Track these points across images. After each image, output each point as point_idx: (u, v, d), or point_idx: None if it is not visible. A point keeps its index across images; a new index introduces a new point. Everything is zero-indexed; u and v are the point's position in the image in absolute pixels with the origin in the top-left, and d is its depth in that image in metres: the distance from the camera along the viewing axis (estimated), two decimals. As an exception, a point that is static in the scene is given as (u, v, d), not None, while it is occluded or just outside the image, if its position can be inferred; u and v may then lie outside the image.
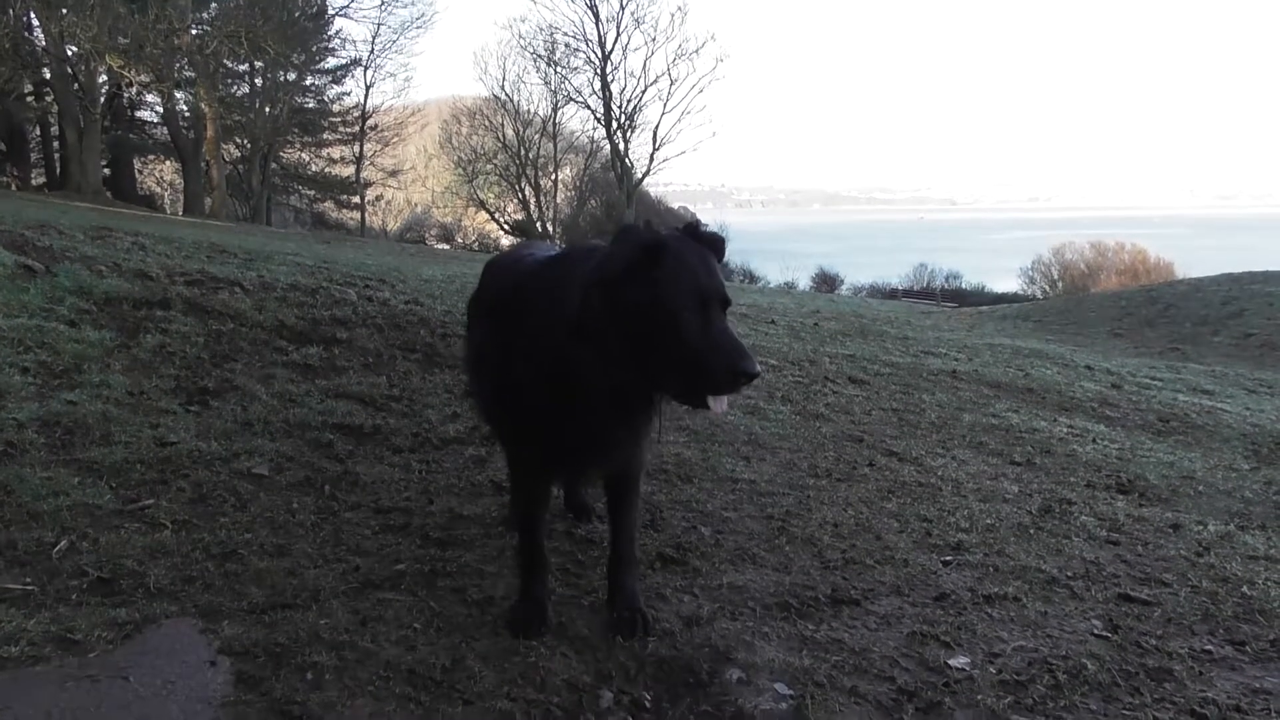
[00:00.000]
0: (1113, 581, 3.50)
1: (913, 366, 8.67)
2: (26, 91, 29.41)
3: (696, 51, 42.24)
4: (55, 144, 32.08)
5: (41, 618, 2.56)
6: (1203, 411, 7.79)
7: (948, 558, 3.62)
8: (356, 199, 45.40)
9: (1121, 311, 18.07)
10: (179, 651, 2.49)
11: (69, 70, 26.71)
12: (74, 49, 25.35)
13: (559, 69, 42.42)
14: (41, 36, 26.02)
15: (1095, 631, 3.03)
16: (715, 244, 2.61)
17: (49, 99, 29.40)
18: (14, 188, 29.08)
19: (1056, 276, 48.06)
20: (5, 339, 4.63)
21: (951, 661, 2.75)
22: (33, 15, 25.77)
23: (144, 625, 2.60)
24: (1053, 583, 3.44)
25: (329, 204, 46.57)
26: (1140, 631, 3.05)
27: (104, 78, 28.46)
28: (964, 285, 45.15)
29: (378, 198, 50.59)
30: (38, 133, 33.41)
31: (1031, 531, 4.04)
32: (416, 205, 56.98)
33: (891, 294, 40.65)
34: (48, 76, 27.82)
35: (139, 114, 36.60)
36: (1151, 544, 4.00)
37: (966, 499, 4.47)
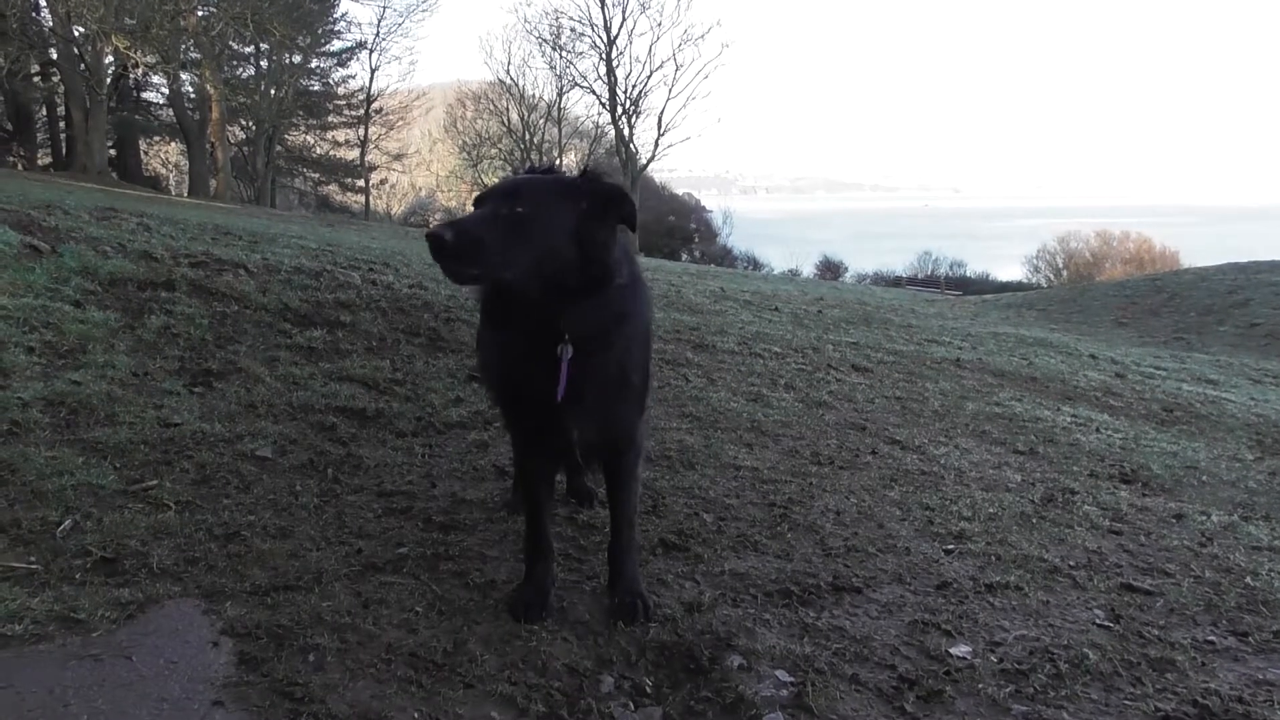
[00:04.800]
0: (1115, 571, 3.50)
1: (916, 355, 8.65)
2: (33, 72, 29.35)
3: (702, 37, 42.04)
4: (61, 124, 32.12)
5: (45, 597, 2.57)
6: (1207, 401, 7.77)
7: (950, 546, 3.62)
8: (361, 182, 45.42)
9: (1126, 300, 18.01)
10: (182, 632, 2.50)
11: (75, 51, 26.66)
12: (81, 29, 25.31)
13: (564, 54, 42.30)
14: (49, 17, 25.99)
15: (1097, 621, 3.03)
16: (603, 194, 2.64)
17: (55, 79, 29.42)
18: (20, 168, 29.12)
19: (1061, 265, 48.04)
20: (11, 318, 4.63)
21: (953, 650, 2.75)
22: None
23: (147, 605, 2.61)
24: (1055, 572, 3.44)
25: (333, 187, 46.59)
26: (1143, 621, 3.05)
27: (110, 58, 28.38)
28: (968, 273, 45.17)
29: (382, 181, 50.62)
30: (44, 113, 33.45)
31: (1034, 520, 4.03)
32: (421, 189, 57.00)
33: (895, 282, 40.65)
34: (54, 57, 27.81)
35: (145, 95, 36.67)
36: (1154, 534, 4.00)
37: (969, 487, 4.47)
